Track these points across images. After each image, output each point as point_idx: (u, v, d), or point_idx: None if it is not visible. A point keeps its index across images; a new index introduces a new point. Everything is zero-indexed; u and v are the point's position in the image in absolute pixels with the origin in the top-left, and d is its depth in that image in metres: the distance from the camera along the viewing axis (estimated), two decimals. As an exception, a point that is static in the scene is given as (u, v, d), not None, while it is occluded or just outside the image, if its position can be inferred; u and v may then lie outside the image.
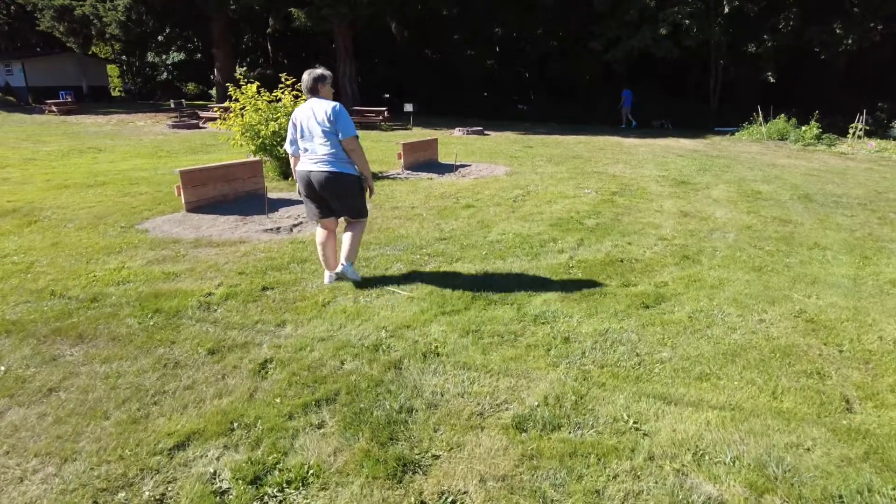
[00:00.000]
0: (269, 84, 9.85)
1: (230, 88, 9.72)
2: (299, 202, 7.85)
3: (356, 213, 4.55)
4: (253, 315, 4.03)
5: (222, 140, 10.11)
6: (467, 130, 19.38)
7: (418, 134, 19.19)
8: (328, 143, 4.20)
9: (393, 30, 27.79)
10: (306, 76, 4.31)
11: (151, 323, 3.91)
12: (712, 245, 5.99)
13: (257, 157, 8.93)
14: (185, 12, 27.12)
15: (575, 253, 5.51)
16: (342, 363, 3.33)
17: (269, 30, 24.83)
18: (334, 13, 21.15)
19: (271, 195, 8.14)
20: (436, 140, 11.99)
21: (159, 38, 37.25)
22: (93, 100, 34.72)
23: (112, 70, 43.23)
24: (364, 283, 4.60)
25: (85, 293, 4.50)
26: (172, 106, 25.17)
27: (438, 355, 3.41)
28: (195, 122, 20.79)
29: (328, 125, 4.17)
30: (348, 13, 21.35)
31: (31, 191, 8.72)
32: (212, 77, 36.74)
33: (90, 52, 38.40)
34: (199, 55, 40.70)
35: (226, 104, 9.94)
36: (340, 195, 4.38)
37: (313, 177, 4.28)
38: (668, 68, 27.03)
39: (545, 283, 4.66)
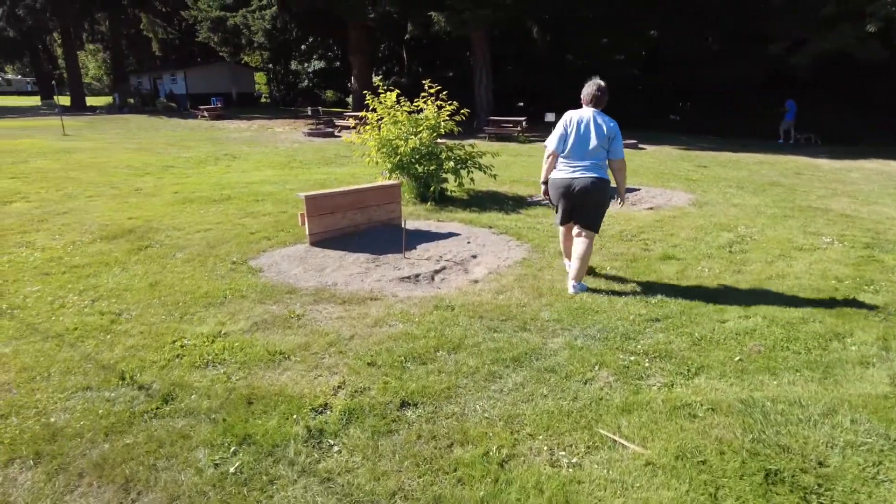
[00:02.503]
0: (403, 93, 8.55)
1: (367, 96, 8.51)
2: (439, 237, 6.33)
3: (594, 226, 4.62)
4: (388, 472, 2.43)
5: (357, 154, 8.93)
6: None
7: (561, 147, 17.25)
8: (598, 154, 4.40)
9: (534, 34, 26.02)
10: (592, 87, 4.51)
11: (232, 468, 2.45)
12: None
13: (394, 180, 7.56)
14: (325, 20, 27.40)
15: (890, 367, 3.37)
16: None
17: (407, 35, 24.18)
18: (474, 16, 19.83)
19: (409, 224, 6.71)
20: (596, 159, 10.03)
21: (302, 46, 38.61)
22: (240, 106, 36.65)
23: (260, 78, 45.81)
24: (558, 414, 2.84)
25: (160, 382, 3.21)
26: (310, 113, 25.36)
27: None
28: (331, 130, 20.46)
29: (604, 140, 4.37)
30: (490, 15, 19.94)
31: (156, 206, 8.05)
32: (349, 85, 37.38)
33: (242, 62, 40.78)
34: (338, 63, 41.72)
35: (361, 113, 8.78)
36: (594, 204, 4.51)
37: (577, 182, 4.42)
38: (846, 74, 22.60)
39: (879, 444, 2.62)
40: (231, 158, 13.57)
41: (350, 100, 35.03)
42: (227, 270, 5.25)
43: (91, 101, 42.23)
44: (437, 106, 8.33)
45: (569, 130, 4.50)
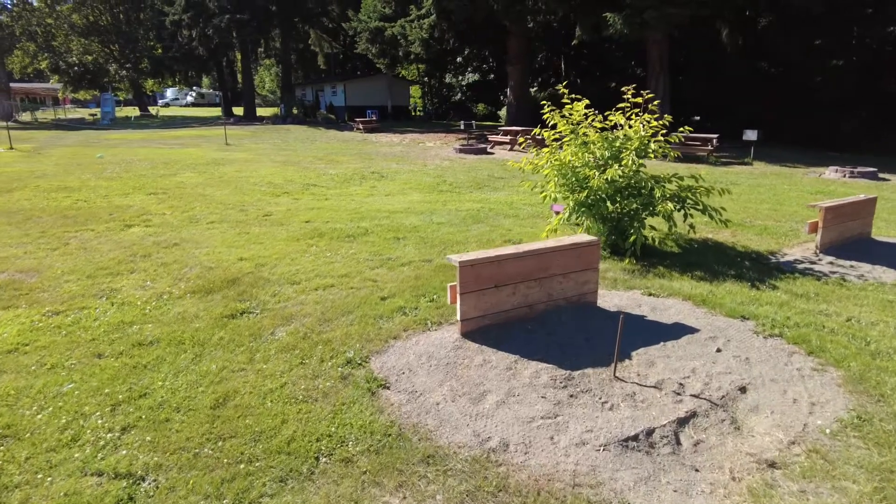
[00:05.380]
0: (560, 105, 6.29)
1: (545, 108, 6.32)
2: (661, 331, 3.92)
3: None
4: None
5: (527, 186, 6.81)
6: (849, 172, 13.15)
7: (773, 175, 13.69)
8: None
9: (723, 37, 22.14)
10: None
11: None
12: None
13: (586, 235, 5.33)
14: (483, 29, 25.94)
15: None
16: None
17: (574, 41, 21.76)
18: (659, 16, 16.86)
19: (605, 298, 4.38)
20: (873, 200, 6.87)
21: (458, 59, 37.75)
22: (394, 118, 36.60)
23: (415, 91, 45.94)
24: None
25: None
26: (462, 127, 23.93)
27: None
28: (483, 146, 18.67)
29: None
30: (677, 14, 16.85)
31: (277, 241, 6.55)
32: (502, 98, 35.74)
33: (399, 75, 41.01)
34: (492, 76, 40.37)
35: (535, 130, 6.63)
36: None
37: None
38: None
39: None
40: (377, 178, 12.16)
41: (503, 113, 33.33)
42: (335, 379, 3.33)
43: (262, 111, 45.20)
44: (644, 120, 5.91)
45: None
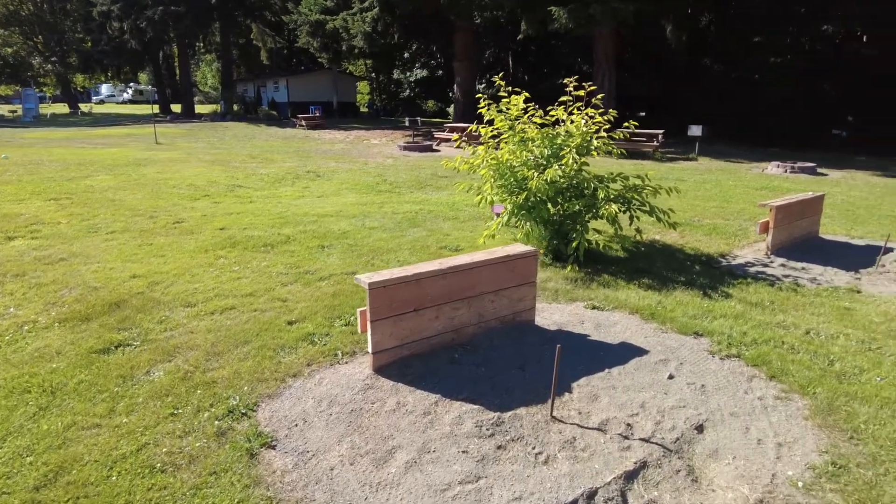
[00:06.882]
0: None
1: (481, 102, 5.78)
2: (606, 354, 3.40)
3: None
4: None
5: (462, 188, 6.25)
6: (790, 167, 13.20)
7: (718, 170, 13.62)
8: None
9: (667, 34, 22.26)
10: None
11: None
12: None
13: (523, 245, 4.83)
14: (429, 24, 25.31)
15: None
16: None
17: (519, 36, 21.38)
18: (605, 10, 16.64)
19: (545, 313, 3.86)
20: (821, 198, 6.63)
21: (405, 54, 37.03)
22: (340, 115, 35.56)
23: (363, 87, 44.91)
24: None
25: None
26: (407, 124, 23.27)
27: None
28: (429, 143, 18.08)
29: None
30: (623, 8, 16.66)
31: (182, 253, 5.77)
32: (450, 94, 35.24)
33: (346, 70, 39.92)
34: (441, 72, 39.82)
35: (471, 127, 6.08)
36: None
37: None
38: None
39: None
40: (313, 177, 11.39)
41: (451, 110, 32.83)
42: (209, 437, 2.67)
43: (202, 108, 43.28)
44: (586, 116, 5.45)
45: None
